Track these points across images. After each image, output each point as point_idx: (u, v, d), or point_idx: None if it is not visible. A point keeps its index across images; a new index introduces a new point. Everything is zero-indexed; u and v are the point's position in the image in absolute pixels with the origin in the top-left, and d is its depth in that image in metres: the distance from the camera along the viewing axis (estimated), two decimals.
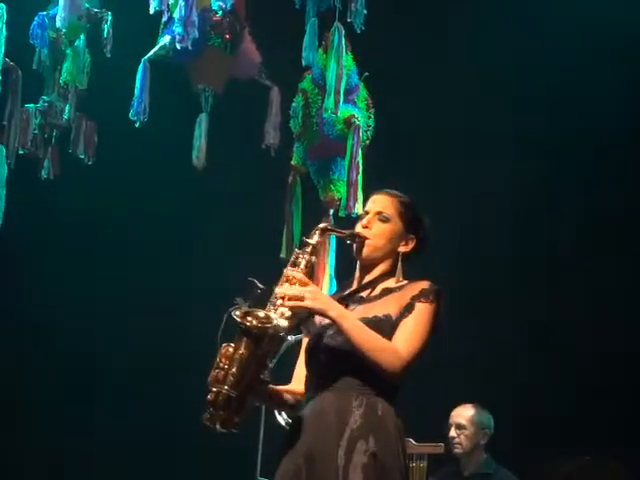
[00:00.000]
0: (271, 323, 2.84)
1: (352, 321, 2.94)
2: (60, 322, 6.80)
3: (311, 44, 4.80)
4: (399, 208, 3.16)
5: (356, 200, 4.50)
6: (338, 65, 4.54)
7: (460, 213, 6.44)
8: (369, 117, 4.79)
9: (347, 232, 3.14)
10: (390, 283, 3.12)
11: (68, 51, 5.06)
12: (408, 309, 3.02)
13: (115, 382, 6.71)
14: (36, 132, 5.34)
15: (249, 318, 2.86)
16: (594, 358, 6.23)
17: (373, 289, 3.12)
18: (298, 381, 3.20)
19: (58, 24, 4.80)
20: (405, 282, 3.13)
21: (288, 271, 2.99)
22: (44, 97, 5.33)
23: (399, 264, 3.14)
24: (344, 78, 4.56)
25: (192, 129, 5.14)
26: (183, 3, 4.57)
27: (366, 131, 4.75)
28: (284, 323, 2.86)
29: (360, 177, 4.52)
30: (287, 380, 5.13)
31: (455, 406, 5.47)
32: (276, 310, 2.90)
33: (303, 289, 2.93)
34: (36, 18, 5.21)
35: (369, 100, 4.82)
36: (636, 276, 6.38)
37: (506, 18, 6.35)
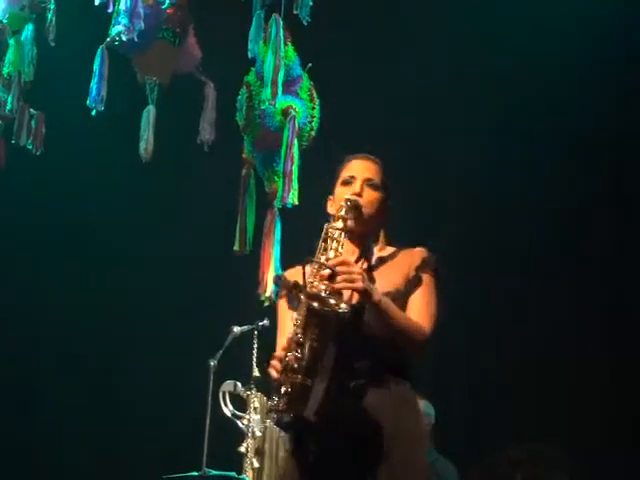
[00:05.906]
0: (340, 307, 2.71)
1: (388, 302, 2.87)
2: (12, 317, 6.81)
3: (256, 37, 4.79)
4: (382, 175, 3.10)
5: (290, 190, 4.51)
6: (275, 56, 4.54)
7: (410, 206, 6.46)
8: (313, 108, 4.79)
9: (352, 199, 2.97)
10: (381, 251, 3.09)
11: (11, 42, 5.02)
12: (415, 282, 2.99)
13: (65, 372, 6.72)
14: None
15: (316, 302, 2.71)
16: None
17: (368, 259, 3.05)
18: None
19: None
20: (393, 249, 3.10)
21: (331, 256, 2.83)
22: None
23: (382, 231, 3.11)
24: (282, 69, 4.55)
25: (139, 121, 5.13)
26: None
27: (310, 122, 4.76)
28: (346, 307, 2.73)
29: (295, 167, 4.51)
30: (235, 373, 5.13)
31: None
32: (325, 290, 2.74)
33: (353, 270, 2.79)
34: None
35: (312, 91, 4.82)
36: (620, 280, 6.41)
37: (455, 11, 6.39)
